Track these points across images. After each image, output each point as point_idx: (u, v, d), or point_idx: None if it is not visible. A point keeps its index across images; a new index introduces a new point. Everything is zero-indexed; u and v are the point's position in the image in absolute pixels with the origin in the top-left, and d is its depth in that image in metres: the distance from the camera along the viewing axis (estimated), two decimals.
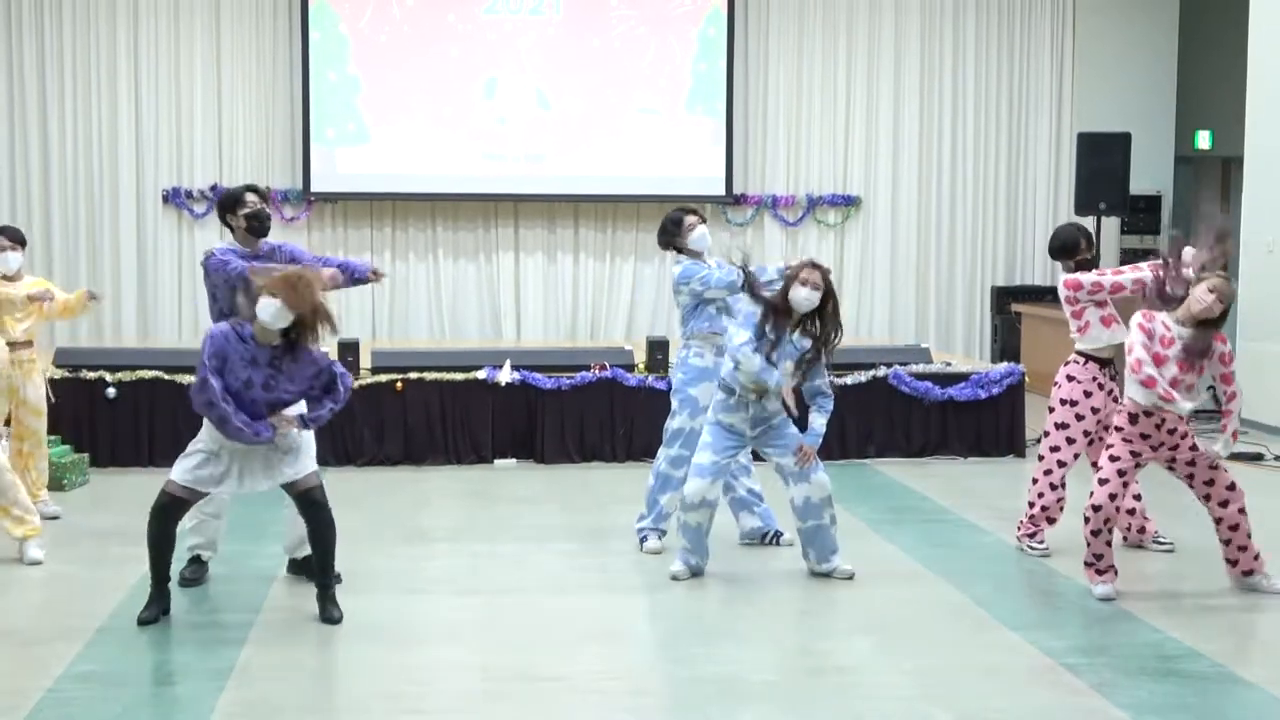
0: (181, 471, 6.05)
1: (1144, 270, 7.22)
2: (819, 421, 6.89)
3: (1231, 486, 6.63)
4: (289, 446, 6.07)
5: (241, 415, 5.86)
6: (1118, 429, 6.59)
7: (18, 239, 7.98)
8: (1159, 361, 6.38)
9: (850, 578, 6.93)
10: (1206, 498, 6.65)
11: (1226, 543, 6.68)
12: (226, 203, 6.87)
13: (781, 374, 6.74)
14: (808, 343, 6.82)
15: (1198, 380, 6.50)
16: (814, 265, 6.89)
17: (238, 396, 5.90)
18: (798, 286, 6.74)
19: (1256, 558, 6.67)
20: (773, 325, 6.72)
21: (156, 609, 6.12)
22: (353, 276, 6.98)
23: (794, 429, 6.95)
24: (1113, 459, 6.56)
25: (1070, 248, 7.61)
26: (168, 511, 6.04)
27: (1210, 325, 6.43)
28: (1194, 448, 6.59)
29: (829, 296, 6.84)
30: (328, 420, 6.25)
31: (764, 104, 14.40)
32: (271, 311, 5.82)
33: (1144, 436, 6.53)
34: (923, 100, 14.53)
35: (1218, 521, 6.65)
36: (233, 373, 5.92)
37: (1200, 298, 6.36)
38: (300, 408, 6.11)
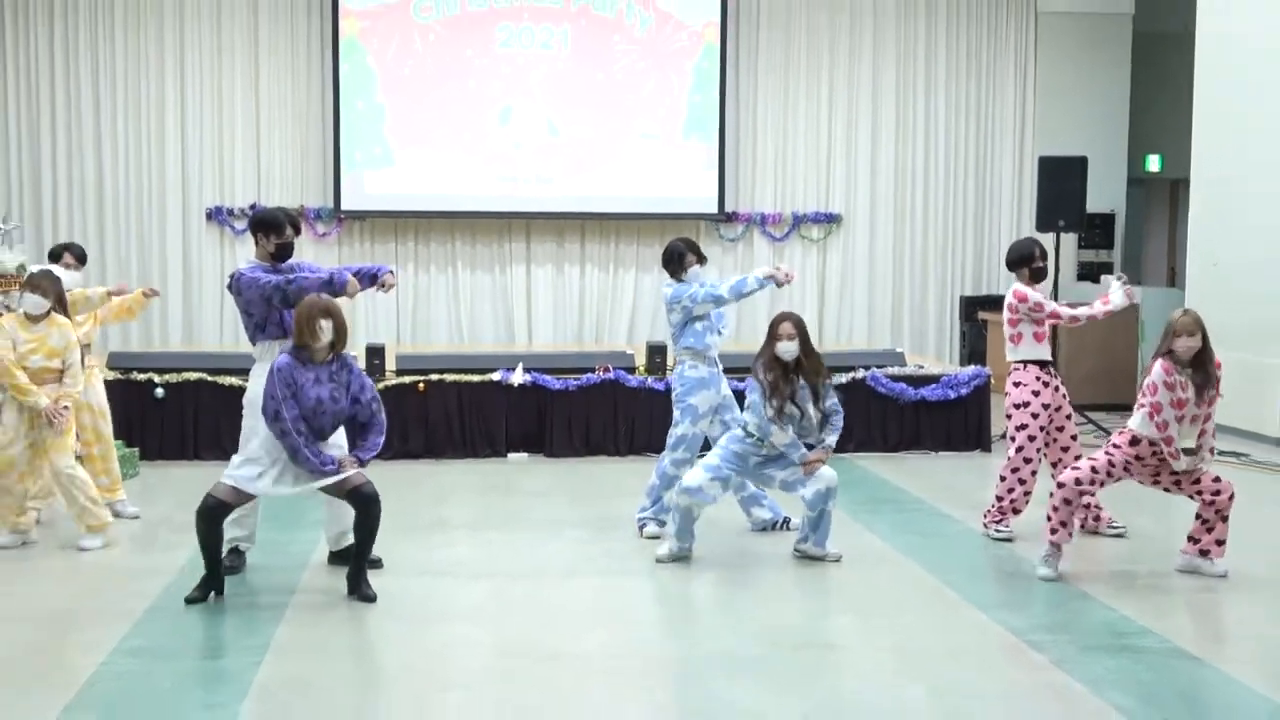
0: (235, 478, 6.06)
1: (1092, 309, 7.40)
2: (830, 439, 7.04)
3: (1218, 479, 6.63)
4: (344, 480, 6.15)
5: (313, 447, 6.01)
6: (1116, 446, 6.60)
7: (81, 257, 7.91)
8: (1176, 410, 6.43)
9: (838, 560, 6.94)
10: (1198, 494, 6.62)
11: (1204, 521, 6.66)
12: (268, 224, 6.81)
13: (793, 431, 6.85)
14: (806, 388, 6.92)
15: (1199, 411, 6.52)
16: (785, 317, 6.99)
17: (311, 418, 6.04)
18: (779, 343, 6.86)
19: (1219, 543, 6.67)
20: (778, 386, 6.82)
21: (205, 590, 6.13)
22: (371, 279, 6.93)
23: (802, 449, 6.98)
24: (1110, 464, 6.57)
25: (1025, 258, 7.60)
26: (215, 513, 6.05)
27: (1203, 359, 6.46)
28: (1173, 470, 6.59)
29: (805, 339, 6.93)
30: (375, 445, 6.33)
31: (753, 130, 14.40)
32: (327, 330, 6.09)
33: (1139, 458, 6.56)
34: (898, 126, 14.53)
35: (1209, 504, 6.62)
36: (305, 396, 6.03)
37: (1183, 345, 6.39)
38: (343, 443, 6.30)
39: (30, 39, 13.47)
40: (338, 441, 6.31)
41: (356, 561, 6.25)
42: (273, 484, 6.09)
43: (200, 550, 6.09)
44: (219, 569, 6.19)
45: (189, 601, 6.07)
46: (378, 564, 6.67)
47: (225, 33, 13.63)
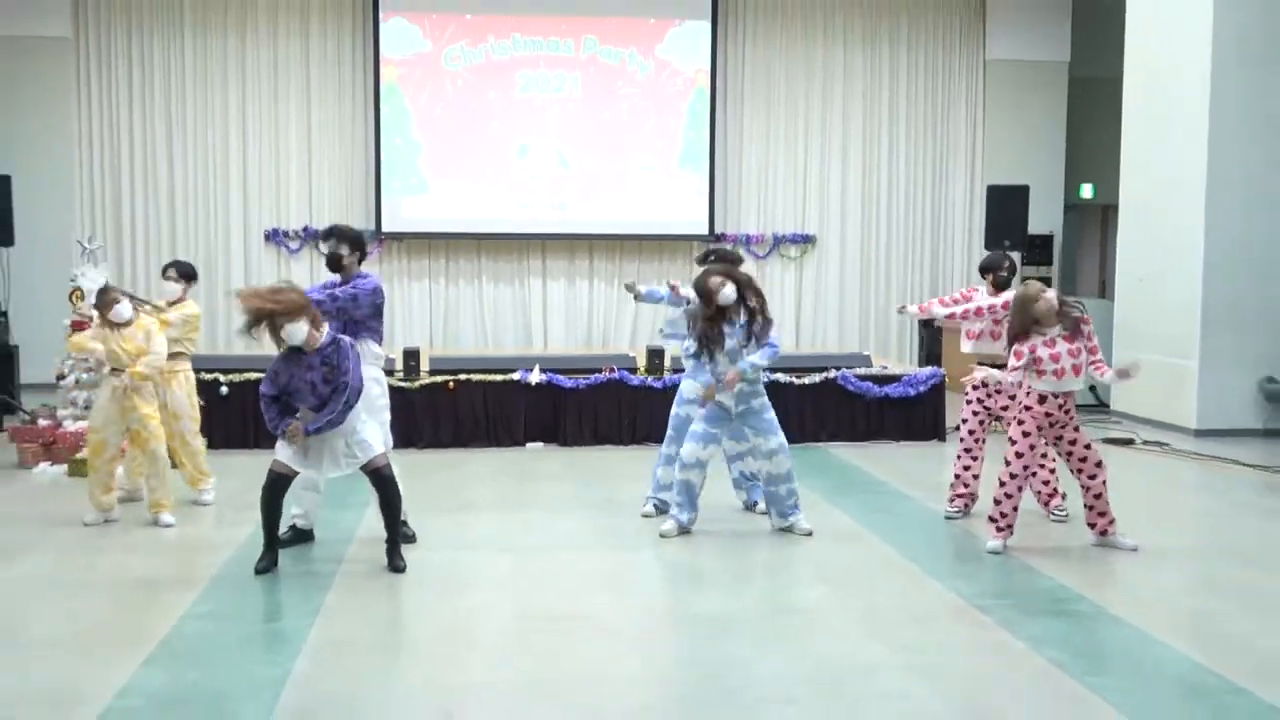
0: (279, 454, 6.10)
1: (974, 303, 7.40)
2: (753, 358, 6.78)
3: (1099, 464, 6.64)
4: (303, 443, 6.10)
5: (274, 416, 6.05)
6: (1027, 408, 6.57)
7: (184, 273, 7.87)
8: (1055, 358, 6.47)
9: (809, 534, 6.96)
10: (1079, 471, 6.65)
11: (1090, 508, 6.71)
12: (356, 238, 6.82)
13: (721, 368, 6.77)
14: (740, 330, 6.77)
15: (1079, 359, 6.53)
16: (711, 272, 6.80)
17: (310, 398, 6.02)
18: (719, 290, 6.67)
19: (1112, 522, 6.70)
20: (708, 333, 6.73)
21: (268, 560, 6.16)
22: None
23: (770, 414, 6.98)
24: (1024, 434, 6.56)
25: (989, 267, 7.65)
26: (276, 485, 6.09)
27: (1063, 309, 6.52)
28: (1077, 429, 6.60)
29: (740, 282, 6.75)
30: (327, 423, 5.99)
31: (739, 163, 14.41)
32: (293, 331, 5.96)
33: (1047, 415, 6.54)
34: (864, 159, 14.54)
35: (1085, 490, 6.67)
36: (298, 382, 6.02)
37: (1043, 307, 6.47)
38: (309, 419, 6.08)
39: (111, 88, 13.50)
40: (360, 424, 6.18)
41: (389, 536, 6.25)
42: (303, 461, 6.09)
43: (261, 518, 6.12)
44: (276, 540, 6.22)
45: (259, 571, 6.08)
46: (411, 539, 6.68)
47: (281, 80, 13.66)
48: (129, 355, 7.09)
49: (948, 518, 7.45)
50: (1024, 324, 6.51)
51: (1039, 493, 7.45)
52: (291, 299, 5.99)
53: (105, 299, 7.15)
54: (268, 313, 5.92)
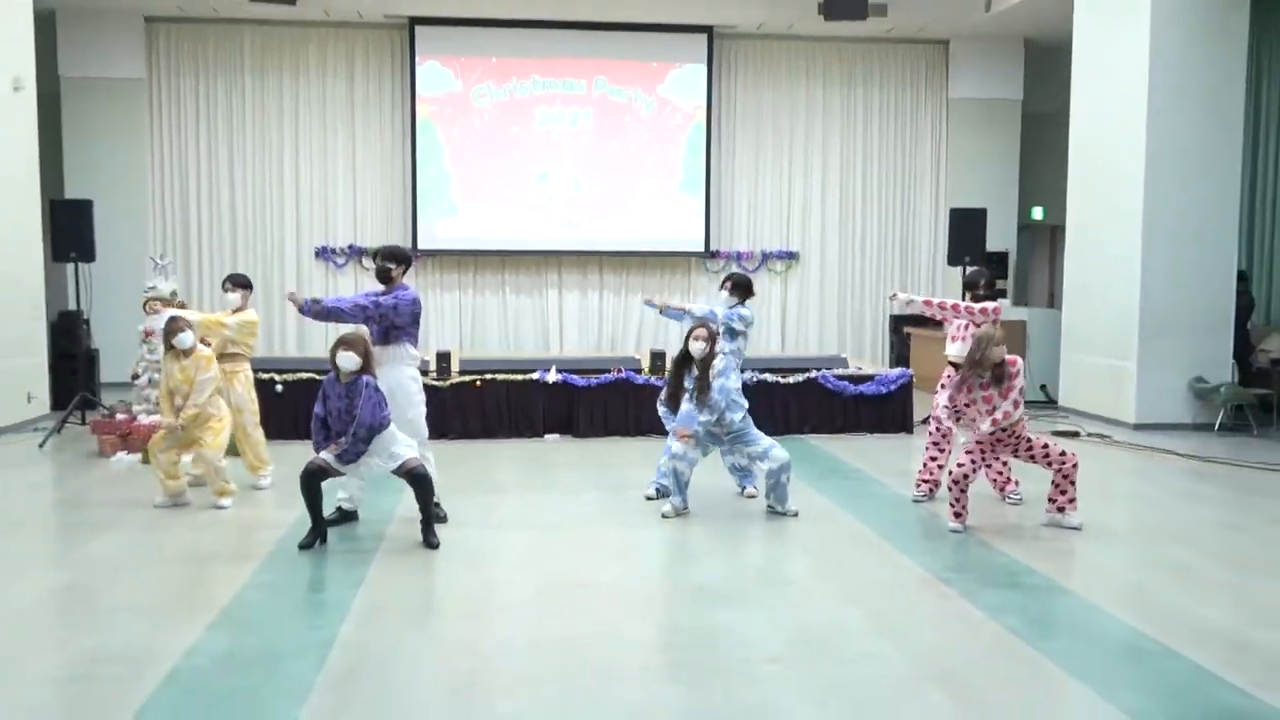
0: (322, 455, 6.12)
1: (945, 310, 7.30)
2: (688, 412, 6.83)
3: (1063, 453, 6.64)
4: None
5: (320, 440, 6.12)
6: (978, 443, 6.59)
7: (240, 283, 7.86)
8: (970, 402, 6.52)
9: (795, 515, 6.97)
10: (1048, 464, 6.65)
11: (1058, 486, 6.69)
12: (402, 257, 6.77)
13: (690, 416, 6.80)
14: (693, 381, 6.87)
15: (997, 401, 6.51)
16: (702, 324, 6.99)
17: (335, 420, 6.09)
18: (692, 341, 6.84)
19: (1071, 501, 6.69)
20: (687, 375, 6.85)
21: (312, 538, 6.16)
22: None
23: (754, 432, 7.02)
24: (968, 451, 6.60)
25: (971, 283, 7.60)
26: (313, 476, 6.10)
27: (1001, 369, 6.50)
28: (1029, 441, 6.60)
29: (712, 342, 6.87)
30: (353, 449, 6.08)
31: (732, 187, 14.42)
32: (345, 360, 6.05)
33: (994, 442, 6.58)
34: (842, 185, 14.55)
35: (1057, 471, 6.64)
36: (332, 404, 6.11)
37: (995, 354, 6.48)
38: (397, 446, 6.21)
39: (180, 123, 13.55)
40: (395, 444, 6.21)
41: (424, 519, 6.27)
42: (343, 464, 6.12)
43: (304, 501, 6.15)
44: (321, 522, 6.22)
45: (302, 547, 6.11)
46: (443, 519, 6.70)
47: (330, 116, 13.70)
48: (190, 385, 7.08)
49: (915, 501, 7.44)
50: (973, 358, 6.51)
51: (994, 481, 7.44)
52: (358, 336, 6.14)
53: (172, 326, 7.11)
54: (354, 343, 6.06)
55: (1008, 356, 6.55)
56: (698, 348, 6.82)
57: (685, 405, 6.84)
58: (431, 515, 6.33)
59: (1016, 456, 6.69)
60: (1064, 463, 6.63)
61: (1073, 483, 6.67)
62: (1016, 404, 6.51)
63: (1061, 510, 6.70)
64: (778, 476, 6.95)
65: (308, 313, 6.36)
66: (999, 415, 6.49)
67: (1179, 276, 10.47)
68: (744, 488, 7.59)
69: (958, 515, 6.61)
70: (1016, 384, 6.51)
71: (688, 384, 6.86)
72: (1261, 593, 5.46)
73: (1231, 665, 4.46)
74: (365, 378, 6.09)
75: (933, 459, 7.44)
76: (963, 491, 6.58)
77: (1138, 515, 7.39)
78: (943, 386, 7.34)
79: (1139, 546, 6.43)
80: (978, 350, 6.48)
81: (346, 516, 6.76)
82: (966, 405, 6.56)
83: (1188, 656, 4.57)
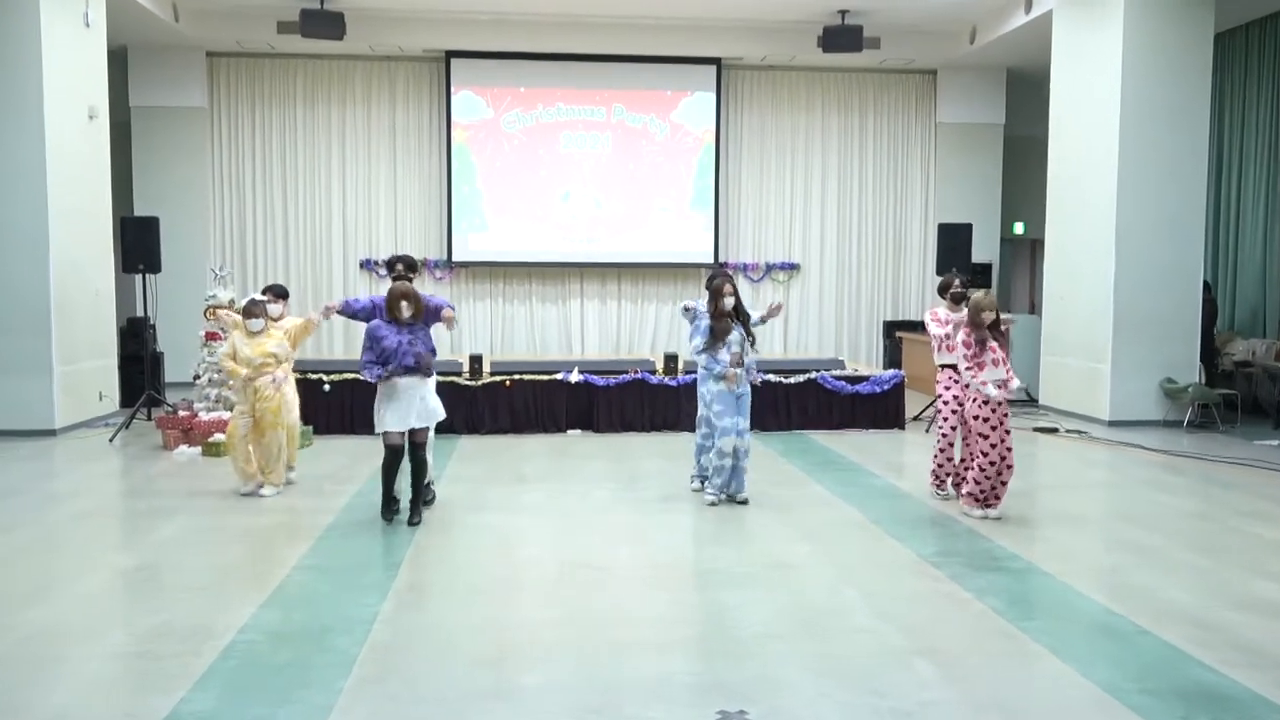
0: (387, 425, 6.35)
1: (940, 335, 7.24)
2: (751, 359, 6.99)
3: (1010, 449, 6.50)
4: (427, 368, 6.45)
5: (374, 369, 6.35)
6: (985, 403, 6.44)
7: (280, 294, 7.85)
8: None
9: (745, 503, 6.91)
10: (1008, 451, 6.51)
11: (983, 479, 6.56)
12: (412, 263, 7.11)
13: (729, 357, 6.86)
14: (739, 329, 6.93)
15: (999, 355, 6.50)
16: (724, 277, 7.00)
17: (394, 353, 6.33)
18: (722, 298, 6.88)
19: (998, 497, 6.60)
20: (717, 330, 6.88)
21: (389, 513, 6.46)
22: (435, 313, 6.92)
23: (749, 399, 7.02)
24: (992, 428, 6.45)
25: (942, 288, 7.54)
26: (393, 457, 6.43)
27: (996, 323, 6.50)
28: (1006, 414, 6.51)
29: (737, 293, 6.98)
30: (424, 358, 6.41)
31: (739, 204, 14.37)
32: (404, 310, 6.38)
33: (994, 412, 6.48)
34: (840, 201, 14.49)
35: (1005, 466, 6.53)
36: (388, 342, 6.35)
37: (988, 317, 6.44)
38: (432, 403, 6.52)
39: (238, 147, 13.61)
40: (428, 397, 6.45)
41: (414, 495, 6.47)
42: (400, 419, 6.35)
43: (382, 486, 6.47)
44: (393, 498, 6.48)
45: (386, 520, 6.39)
46: (430, 501, 6.84)
47: (374, 141, 13.72)
48: (261, 355, 7.14)
49: (945, 498, 7.19)
50: (973, 320, 6.48)
51: (952, 473, 7.22)
52: (409, 289, 6.49)
53: (252, 308, 7.20)
54: (409, 294, 6.42)
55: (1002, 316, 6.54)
56: (729, 302, 6.86)
57: (748, 357, 6.90)
58: (421, 493, 6.51)
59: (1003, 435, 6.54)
60: (1009, 466, 6.53)
61: (1005, 484, 6.56)
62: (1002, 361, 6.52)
63: (990, 505, 6.61)
64: (742, 460, 6.92)
65: (346, 313, 6.72)
66: (1009, 373, 6.47)
67: (1149, 285, 10.38)
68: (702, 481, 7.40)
69: (988, 504, 6.55)
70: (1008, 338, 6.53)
71: (736, 334, 6.85)
72: (1227, 577, 5.40)
73: (1199, 644, 4.41)
74: (418, 323, 6.48)
75: (942, 451, 7.20)
76: (990, 484, 6.49)
77: (1112, 504, 7.33)
78: (946, 389, 7.23)
79: (1113, 533, 6.38)
80: (974, 312, 6.47)
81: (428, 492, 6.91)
82: (978, 363, 6.44)
83: (1158, 635, 4.52)
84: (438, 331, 7.17)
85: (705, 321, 6.98)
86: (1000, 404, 6.43)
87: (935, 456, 7.29)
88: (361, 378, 6.49)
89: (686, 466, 7.79)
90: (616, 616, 4.74)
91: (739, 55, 13.73)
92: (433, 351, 6.51)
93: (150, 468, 8.25)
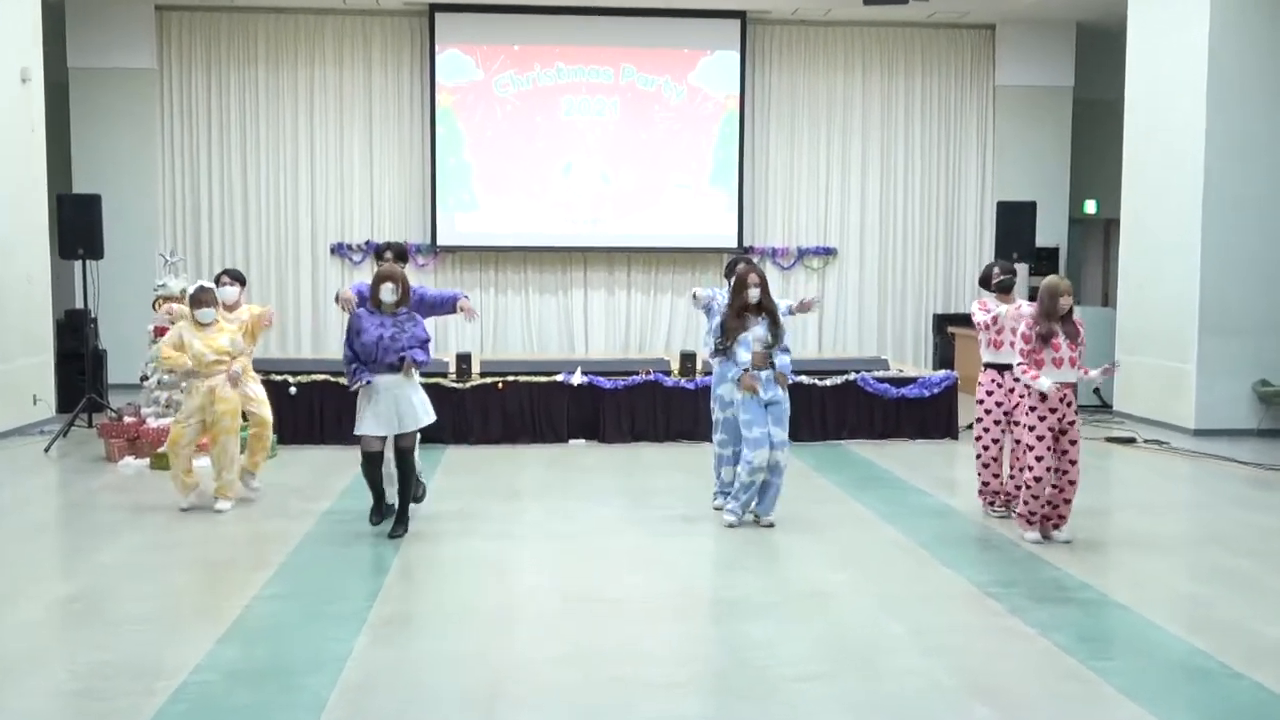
0: (364, 429, 6.48)
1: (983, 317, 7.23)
2: (784, 360, 6.95)
3: (1074, 462, 6.50)
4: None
5: (358, 369, 6.48)
6: (1032, 409, 6.46)
7: (236, 278, 7.88)
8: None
9: (771, 526, 6.90)
10: (1071, 465, 6.53)
11: (1054, 505, 6.58)
12: (402, 251, 7.33)
13: (751, 358, 6.85)
14: (764, 324, 6.88)
15: (1066, 351, 6.48)
16: (749, 265, 7.04)
17: (375, 348, 6.45)
18: (748, 290, 6.87)
19: (1063, 517, 6.59)
20: (730, 328, 6.89)
21: (378, 516, 6.72)
22: (451, 305, 7.20)
23: (788, 408, 6.98)
24: (1039, 438, 6.44)
25: (983, 280, 7.52)
26: (370, 461, 6.59)
27: (1070, 315, 6.50)
28: (1072, 421, 6.49)
29: (764, 284, 6.95)
30: (408, 359, 6.50)
31: (766, 180, 14.37)
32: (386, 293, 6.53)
33: (1051, 410, 6.44)
34: (883, 176, 14.47)
35: (1059, 490, 6.53)
36: (368, 334, 6.47)
37: (1064, 303, 6.45)
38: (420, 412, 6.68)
39: (191, 115, 13.67)
40: (413, 396, 6.56)
41: (400, 506, 6.64)
42: (378, 424, 6.46)
43: (369, 489, 6.72)
44: (383, 499, 6.70)
45: (373, 524, 6.66)
46: (420, 498, 7.13)
47: (346, 106, 13.76)
48: (213, 351, 7.16)
49: (1002, 517, 7.19)
50: (1044, 309, 6.46)
51: (1000, 490, 7.24)
52: (394, 270, 6.70)
53: (201, 295, 7.25)
54: (394, 275, 6.59)
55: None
56: (754, 294, 6.86)
57: (779, 358, 6.88)
58: (408, 505, 6.67)
59: (1055, 435, 6.50)
60: (1072, 482, 6.53)
61: (1069, 501, 6.57)
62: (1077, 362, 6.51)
63: (1057, 526, 6.61)
64: (776, 477, 6.90)
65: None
66: (1083, 369, 6.48)
67: (1241, 272, 10.34)
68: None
69: (1031, 523, 6.55)
70: (1082, 338, 6.51)
71: (759, 329, 6.83)
72: None
73: None
74: (405, 309, 6.60)
75: (985, 466, 7.24)
76: (1042, 491, 6.49)
77: (1196, 526, 7.30)
78: (989, 394, 7.23)
79: (1197, 559, 6.36)
80: (1048, 298, 6.43)
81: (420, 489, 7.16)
82: (1035, 360, 6.44)
83: (1250, 676, 4.50)
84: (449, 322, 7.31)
85: (720, 319, 6.98)
86: (1054, 409, 6.41)
87: (980, 473, 7.30)
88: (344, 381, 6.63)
89: (706, 482, 7.79)
90: (623, 653, 4.74)
91: (766, 8, 13.72)
92: (425, 342, 6.59)
93: (92, 481, 8.28)
